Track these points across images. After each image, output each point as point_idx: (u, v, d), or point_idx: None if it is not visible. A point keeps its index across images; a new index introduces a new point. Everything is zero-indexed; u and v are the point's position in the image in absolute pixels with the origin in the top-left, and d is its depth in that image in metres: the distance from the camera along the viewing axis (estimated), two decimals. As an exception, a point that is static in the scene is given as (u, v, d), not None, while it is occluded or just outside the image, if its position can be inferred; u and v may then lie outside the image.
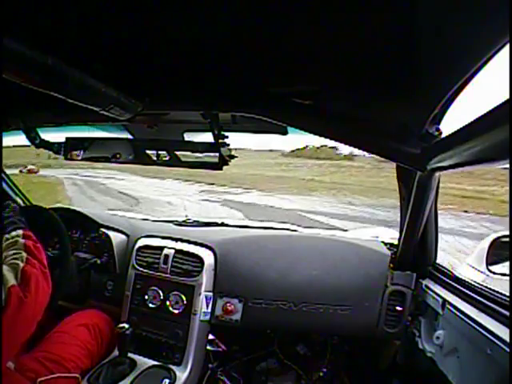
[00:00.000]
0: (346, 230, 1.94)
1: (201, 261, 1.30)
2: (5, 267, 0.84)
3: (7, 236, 0.95)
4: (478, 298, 0.91)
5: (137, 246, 1.38)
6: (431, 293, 1.12)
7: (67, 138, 1.15)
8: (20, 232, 0.96)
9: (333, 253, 1.35)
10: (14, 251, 0.89)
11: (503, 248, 1.40)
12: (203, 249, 1.34)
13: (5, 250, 0.92)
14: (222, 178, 15.90)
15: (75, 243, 1.46)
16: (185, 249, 1.34)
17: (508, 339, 0.72)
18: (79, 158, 1.13)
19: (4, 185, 1.53)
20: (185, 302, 1.26)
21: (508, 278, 1.31)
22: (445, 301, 1.02)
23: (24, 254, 0.89)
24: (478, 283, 0.98)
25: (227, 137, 1.01)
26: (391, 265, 1.28)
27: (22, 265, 0.85)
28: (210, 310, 1.28)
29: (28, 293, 0.82)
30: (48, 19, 0.62)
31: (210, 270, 1.30)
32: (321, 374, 1.51)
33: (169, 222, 1.65)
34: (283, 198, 13.01)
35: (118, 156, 1.08)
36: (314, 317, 1.26)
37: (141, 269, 1.33)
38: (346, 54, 0.69)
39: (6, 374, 0.82)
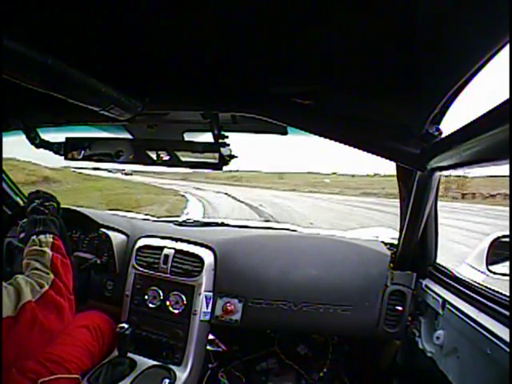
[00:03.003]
0: (345, 230, 1.94)
1: (201, 261, 1.30)
2: (22, 277, 0.78)
3: (34, 238, 0.89)
4: (478, 297, 0.91)
5: (137, 246, 1.38)
6: (431, 293, 1.12)
7: (67, 138, 1.16)
8: (50, 240, 0.90)
9: (333, 253, 1.35)
10: (40, 266, 0.83)
11: (503, 248, 1.40)
12: (203, 249, 1.34)
13: (28, 255, 0.86)
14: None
15: (75, 243, 1.46)
16: (185, 249, 1.34)
17: (508, 339, 0.72)
18: (80, 157, 1.13)
19: (4, 185, 1.52)
20: (185, 302, 1.26)
21: (508, 277, 1.31)
22: (445, 301, 1.03)
23: (51, 276, 0.82)
24: (478, 283, 0.98)
25: (227, 137, 1.01)
26: (391, 264, 1.28)
27: (46, 287, 0.79)
28: (209, 309, 1.28)
29: (47, 319, 0.76)
30: (48, 19, 0.62)
31: (209, 270, 1.30)
32: (321, 374, 1.51)
33: (169, 222, 1.65)
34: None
35: (120, 153, 1.07)
36: (314, 317, 1.26)
37: (141, 269, 1.33)
38: (346, 54, 0.69)
39: (6, 375, 0.81)
